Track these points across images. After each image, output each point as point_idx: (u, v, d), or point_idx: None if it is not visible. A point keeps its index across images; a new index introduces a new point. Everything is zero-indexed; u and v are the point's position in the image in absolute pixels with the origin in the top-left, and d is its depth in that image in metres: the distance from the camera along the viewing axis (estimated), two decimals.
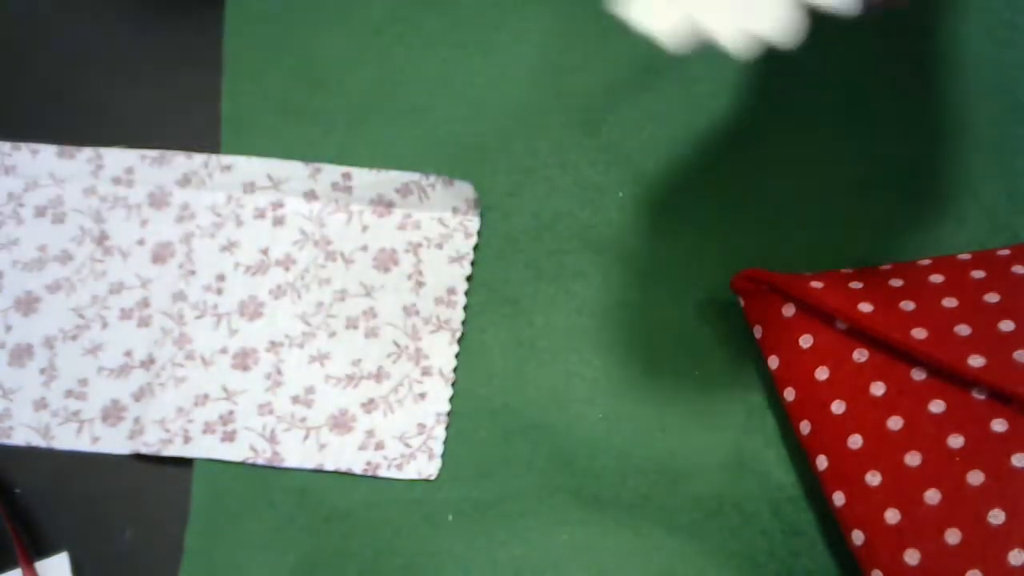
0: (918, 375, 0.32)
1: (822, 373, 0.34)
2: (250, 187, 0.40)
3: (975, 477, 0.30)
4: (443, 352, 0.38)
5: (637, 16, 0.24)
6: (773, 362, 0.35)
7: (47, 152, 0.41)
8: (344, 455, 0.37)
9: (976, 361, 0.31)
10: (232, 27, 0.42)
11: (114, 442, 0.37)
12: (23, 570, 0.35)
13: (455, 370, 0.38)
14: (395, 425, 0.37)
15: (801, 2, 0.24)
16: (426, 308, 0.38)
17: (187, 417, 0.37)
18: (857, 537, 0.32)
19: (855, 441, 0.32)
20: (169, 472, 0.37)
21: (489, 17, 0.42)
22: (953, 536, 0.30)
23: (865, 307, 0.33)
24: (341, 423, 0.37)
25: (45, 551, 0.36)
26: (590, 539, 0.35)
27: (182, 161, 0.41)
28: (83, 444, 0.37)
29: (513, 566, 0.35)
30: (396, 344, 0.38)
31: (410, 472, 0.36)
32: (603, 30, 0.41)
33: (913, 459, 0.31)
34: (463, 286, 0.39)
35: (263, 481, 0.37)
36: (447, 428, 0.37)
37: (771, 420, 0.37)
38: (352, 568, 0.35)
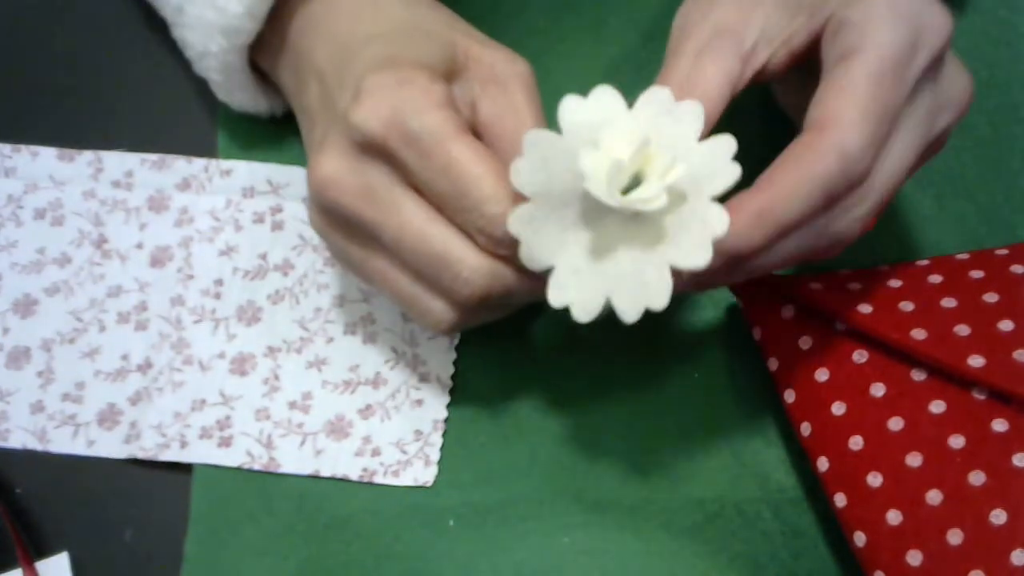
0: (918, 376, 0.32)
1: (822, 374, 0.34)
2: (249, 192, 0.40)
3: (976, 477, 0.30)
4: (441, 358, 0.38)
5: (555, 297, 0.28)
6: (773, 364, 0.35)
7: (47, 154, 0.41)
8: (340, 461, 0.37)
9: (976, 361, 0.31)
10: None
11: (110, 446, 0.37)
12: (23, 570, 0.34)
13: (454, 376, 0.38)
14: (392, 431, 0.37)
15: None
16: None
17: (184, 422, 0.37)
18: (859, 539, 0.32)
19: (856, 442, 0.32)
20: (169, 473, 0.37)
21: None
22: (955, 537, 0.30)
23: (864, 308, 0.33)
24: (338, 429, 0.37)
25: (45, 551, 0.36)
26: (592, 542, 0.35)
27: (182, 165, 0.41)
28: (79, 448, 0.37)
29: (515, 570, 0.35)
30: (394, 350, 0.38)
31: (406, 479, 0.36)
32: None
33: (914, 460, 0.31)
34: None
35: (262, 488, 0.36)
36: (445, 434, 0.37)
37: (772, 421, 0.37)
38: (353, 574, 0.35)
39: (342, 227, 0.32)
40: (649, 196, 0.26)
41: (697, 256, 0.27)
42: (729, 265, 0.28)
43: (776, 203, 0.27)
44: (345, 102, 0.31)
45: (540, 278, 0.29)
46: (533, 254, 0.28)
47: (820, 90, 0.28)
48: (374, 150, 0.30)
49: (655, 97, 0.28)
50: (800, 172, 0.27)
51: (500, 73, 0.32)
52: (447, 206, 0.30)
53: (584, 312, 0.28)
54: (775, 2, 0.30)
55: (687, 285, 0.28)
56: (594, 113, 0.27)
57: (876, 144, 0.27)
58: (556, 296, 0.28)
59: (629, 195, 0.27)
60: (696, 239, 0.27)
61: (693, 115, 0.27)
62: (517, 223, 0.28)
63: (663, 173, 0.27)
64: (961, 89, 0.31)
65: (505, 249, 0.29)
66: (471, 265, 0.30)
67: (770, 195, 0.27)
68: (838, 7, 0.29)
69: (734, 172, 0.27)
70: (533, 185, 0.28)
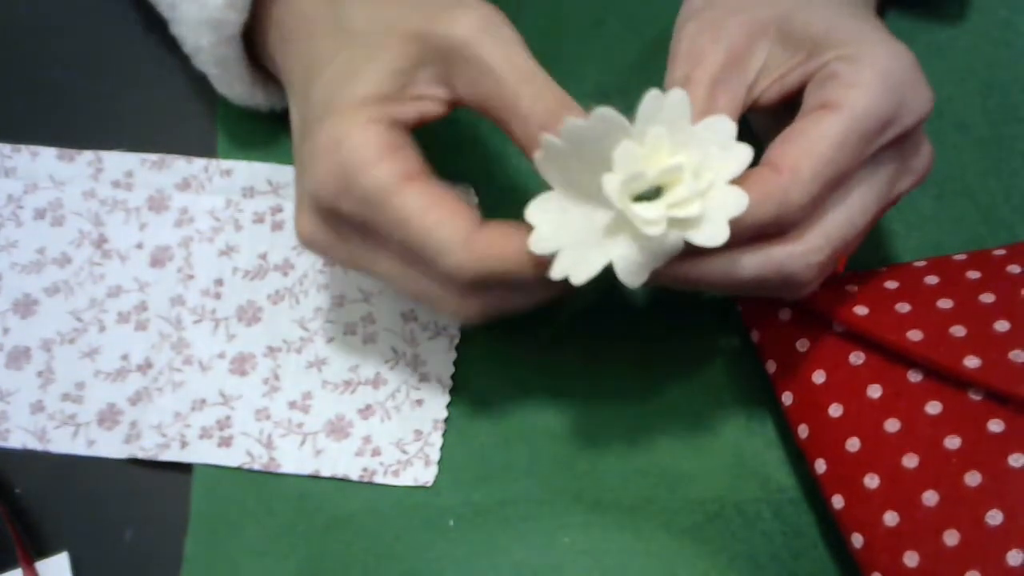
0: (914, 377, 0.32)
1: (819, 376, 0.34)
2: (249, 192, 0.40)
3: (972, 478, 0.30)
4: (441, 358, 0.38)
5: (559, 271, 0.28)
6: (770, 366, 0.35)
7: (47, 154, 0.41)
8: (340, 461, 0.37)
9: (972, 362, 0.31)
10: None
11: (110, 446, 0.37)
12: (23, 570, 0.35)
13: (454, 376, 0.38)
14: (392, 431, 0.37)
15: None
16: (424, 314, 0.38)
17: (184, 422, 0.37)
18: (856, 540, 0.32)
19: (853, 444, 0.32)
20: (169, 473, 0.37)
21: None
22: (951, 537, 0.30)
23: (860, 310, 0.33)
24: (338, 429, 0.37)
25: (45, 551, 0.36)
26: (592, 542, 0.35)
27: (182, 165, 0.41)
28: (79, 448, 0.37)
29: (515, 570, 0.35)
30: (394, 350, 0.38)
31: (406, 479, 0.36)
32: None
33: (911, 461, 0.31)
34: None
35: (263, 488, 0.36)
36: (445, 434, 0.37)
37: (771, 422, 0.37)
38: (353, 574, 0.35)
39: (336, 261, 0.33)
40: (655, 217, 0.27)
41: (715, 235, 0.27)
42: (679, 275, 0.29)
43: None
44: (303, 158, 0.31)
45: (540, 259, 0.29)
46: (542, 240, 0.28)
47: (789, 130, 0.29)
48: (335, 212, 0.30)
49: (712, 125, 0.28)
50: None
51: (468, 44, 0.30)
52: (413, 254, 0.30)
53: (582, 276, 0.28)
54: (779, 33, 0.31)
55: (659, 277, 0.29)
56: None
57: (816, 203, 0.29)
58: (557, 273, 0.28)
59: (643, 207, 0.27)
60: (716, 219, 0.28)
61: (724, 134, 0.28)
62: (535, 210, 0.28)
63: (699, 196, 0.27)
64: (924, 159, 0.32)
65: (474, 293, 0.30)
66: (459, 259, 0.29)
67: None
68: (835, 57, 0.30)
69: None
70: (553, 181, 0.28)
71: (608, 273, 0.28)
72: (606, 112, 0.27)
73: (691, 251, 0.28)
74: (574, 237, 0.28)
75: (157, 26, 0.41)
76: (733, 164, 0.28)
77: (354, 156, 0.29)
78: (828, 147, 0.28)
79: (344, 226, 0.31)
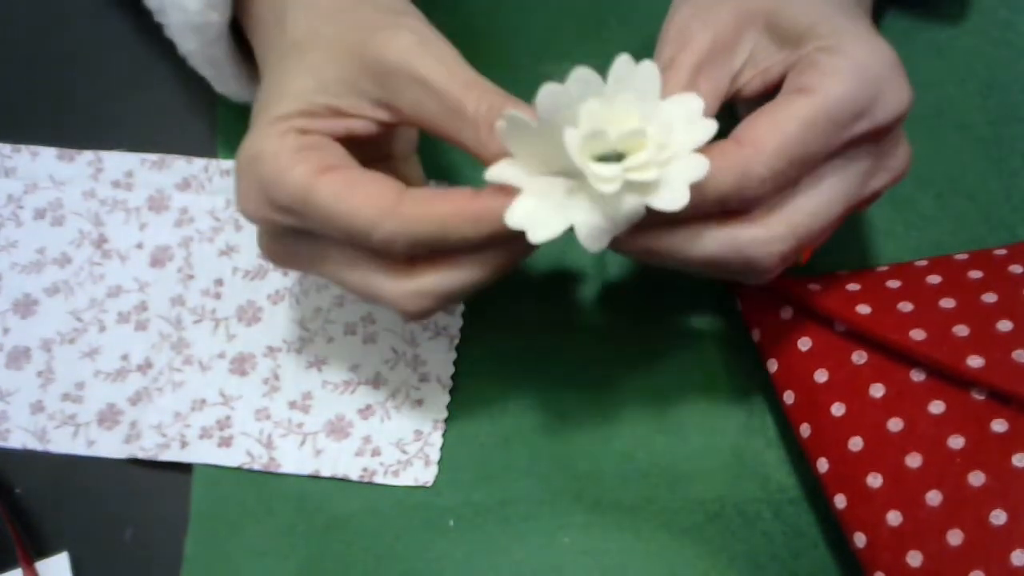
0: (917, 376, 0.32)
1: (821, 376, 0.34)
2: None
3: (976, 478, 0.30)
4: (441, 358, 0.38)
5: (516, 218, 0.28)
6: (772, 365, 0.35)
7: (47, 154, 0.41)
8: (340, 461, 0.37)
9: (975, 361, 0.31)
10: None
11: (110, 446, 0.37)
12: (23, 570, 0.35)
13: (454, 376, 0.38)
14: (392, 431, 0.37)
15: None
16: None
17: (184, 422, 0.37)
18: (859, 539, 0.32)
19: (855, 443, 0.32)
20: (169, 473, 0.37)
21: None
22: (955, 537, 0.30)
23: (863, 309, 0.33)
24: (338, 429, 0.37)
25: (45, 551, 0.36)
26: (592, 542, 0.35)
27: (182, 165, 0.41)
28: (79, 448, 0.37)
29: (515, 570, 0.35)
30: (394, 350, 0.38)
31: (406, 479, 0.36)
32: None
33: (914, 460, 0.31)
34: None
35: (263, 488, 0.36)
36: (445, 434, 0.37)
37: (771, 422, 0.37)
38: (353, 574, 0.35)
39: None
40: (611, 175, 0.27)
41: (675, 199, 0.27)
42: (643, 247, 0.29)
43: None
44: None
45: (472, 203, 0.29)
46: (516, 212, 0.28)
47: (759, 110, 0.29)
48: (273, 225, 0.31)
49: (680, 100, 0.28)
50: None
51: (402, 66, 0.30)
52: (354, 247, 0.30)
53: (541, 236, 0.28)
54: (767, 25, 0.31)
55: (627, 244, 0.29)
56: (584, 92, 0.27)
57: (778, 181, 0.29)
58: (514, 219, 0.28)
59: (603, 166, 0.27)
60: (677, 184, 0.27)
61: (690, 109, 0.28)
62: (498, 173, 0.28)
63: (657, 160, 0.27)
64: (901, 159, 0.32)
65: (420, 273, 0.30)
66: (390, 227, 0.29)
67: None
68: (816, 48, 0.30)
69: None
70: (516, 154, 0.28)
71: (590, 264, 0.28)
72: (583, 73, 0.27)
73: (654, 221, 0.28)
74: (537, 195, 0.28)
75: (157, 26, 0.41)
76: (697, 135, 0.28)
77: (269, 168, 0.29)
78: (795, 126, 0.28)
79: (287, 236, 0.31)
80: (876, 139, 0.30)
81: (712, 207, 0.29)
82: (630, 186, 0.27)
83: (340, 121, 0.31)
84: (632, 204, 0.27)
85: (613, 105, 0.27)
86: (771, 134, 0.28)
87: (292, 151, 0.29)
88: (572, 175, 0.28)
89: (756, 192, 0.28)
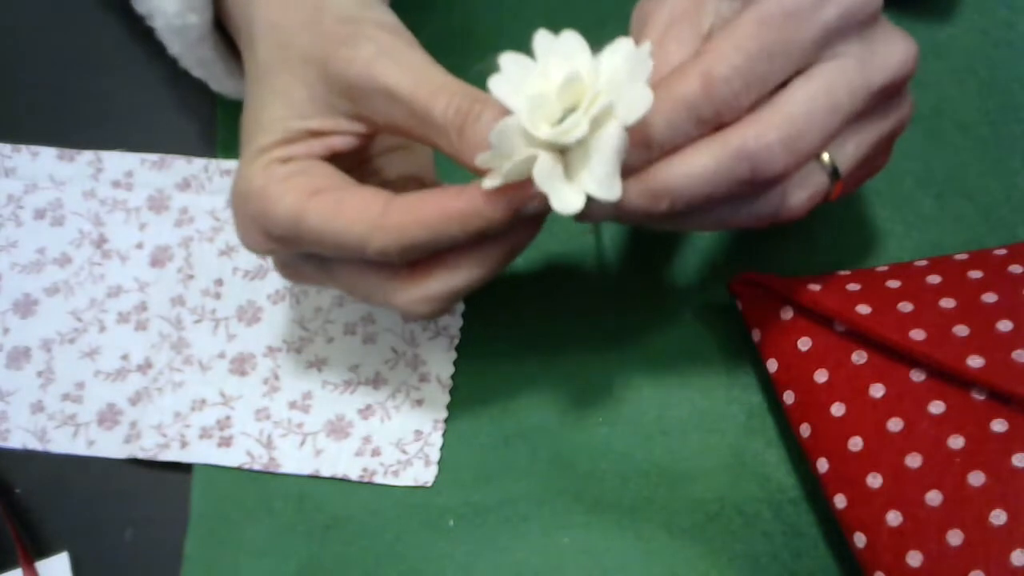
0: (917, 376, 0.32)
1: (821, 375, 0.34)
2: None
3: (976, 478, 0.30)
4: (441, 358, 0.38)
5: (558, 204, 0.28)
6: (772, 365, 0.35)
7: (47, 155, 0.41)
8: (340, 461, 0.37)
9: (975, 361, 0.31)
10: None
11: (110, 446, 0.37)
12: (23, 570, 0.35)
13: (454, 376, 0.38)
14: (392, 431, 0.37)
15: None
16: None
17: (184, 422, 0.37)
18: (859, 539, 0.32)
19: (855, 443, 0.32)
20: (169, 473, 0.37)
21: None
22: (955, 537, 0.30)
23: (863, 309, 0.33)
24: (338, 429, 0.37)
25: (45, 551, 0.36)
26: (591, 542, 0.35)
27: (182, 165, 0.41)
28: (79, 448, 0.37)
29: (515, 570, 0.35)
30: (394, 350, 0.38)
31: (406, 479, 0.36)
32: None
33: (914, 460, 0.31)
34: None
35: (262, 487, 0.36)
36: (445, 434, 0.37)
37: (771, 422, 0.37)
38: (353, 574, 0.35)
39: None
40: (573, 121, 0.27)
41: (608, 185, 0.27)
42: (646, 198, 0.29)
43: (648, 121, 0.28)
44: None
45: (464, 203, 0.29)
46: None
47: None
48: (275, 254, 0.32)
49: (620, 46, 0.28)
50: (665, 92, 0.28)
51: (367, 79, 0.30)
52: (354, 261, 0.31)
53: (561, 205, 0.28)
54: None
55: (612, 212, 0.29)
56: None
57: (746, 75, 0.28)
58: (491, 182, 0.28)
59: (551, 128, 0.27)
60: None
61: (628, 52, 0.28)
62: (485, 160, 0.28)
63: (588, 107, 0.27)
64: (899, 52, 0.30)
65: (421, 275, 0.30)
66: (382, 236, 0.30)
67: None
68: None
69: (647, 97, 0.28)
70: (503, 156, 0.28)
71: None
72: (509, 57, 0.28)
73: (648, 158, 0.28)
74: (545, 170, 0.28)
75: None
76: (638, 69, 0.27)
77: (258, 203, 0.30)
78: (748, 27, 0.28)
79: (295, 260, 0.32)
80: (856, 32, 0.29)
81: (692, 123, 0.28)
82: (595, 122, 0.27)
83: (319, 141, 0.31)
84: (609, 133, 0.27)
85: (548, 72, 0.28)
86: (726, 38, 0.28)
87: (278, 182, 0.30)
88: (553, 149, 0.28)
89: (725, 93, 0.28)
